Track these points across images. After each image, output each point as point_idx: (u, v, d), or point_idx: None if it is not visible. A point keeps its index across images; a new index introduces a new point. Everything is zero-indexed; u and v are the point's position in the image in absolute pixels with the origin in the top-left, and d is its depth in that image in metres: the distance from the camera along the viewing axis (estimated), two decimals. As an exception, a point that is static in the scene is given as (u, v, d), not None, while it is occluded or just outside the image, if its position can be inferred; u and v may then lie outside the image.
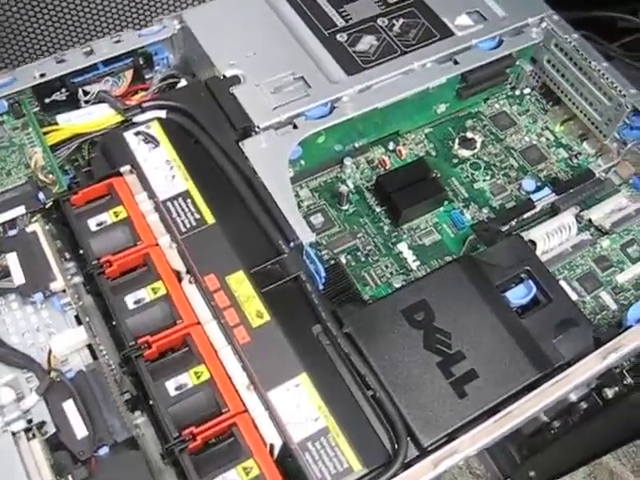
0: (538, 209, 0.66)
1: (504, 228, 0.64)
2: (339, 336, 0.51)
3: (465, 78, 0.67)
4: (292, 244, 0.55)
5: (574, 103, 0.71)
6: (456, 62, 0.66)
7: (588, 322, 0.55)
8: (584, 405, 0.94)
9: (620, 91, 0.66)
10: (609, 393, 0.90)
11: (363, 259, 0.63)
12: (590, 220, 0.67)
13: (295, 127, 0.61)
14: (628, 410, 0.88)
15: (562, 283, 0.63)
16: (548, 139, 0.72)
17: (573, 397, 0.94)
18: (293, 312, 0.53)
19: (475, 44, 0.67)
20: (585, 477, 1.22)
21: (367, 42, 0.66)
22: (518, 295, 0.56)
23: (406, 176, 0.65)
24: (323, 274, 0.56)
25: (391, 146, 0.70)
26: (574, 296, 0.62)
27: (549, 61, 0.72)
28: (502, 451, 1.14)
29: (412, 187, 0.64)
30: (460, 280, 0.54)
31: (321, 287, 0.57)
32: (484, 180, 0.68)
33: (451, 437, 0.50)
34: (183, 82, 0.66)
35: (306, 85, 0.63)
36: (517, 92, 0.75)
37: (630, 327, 0.55)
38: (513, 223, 0.65)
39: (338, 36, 0.66)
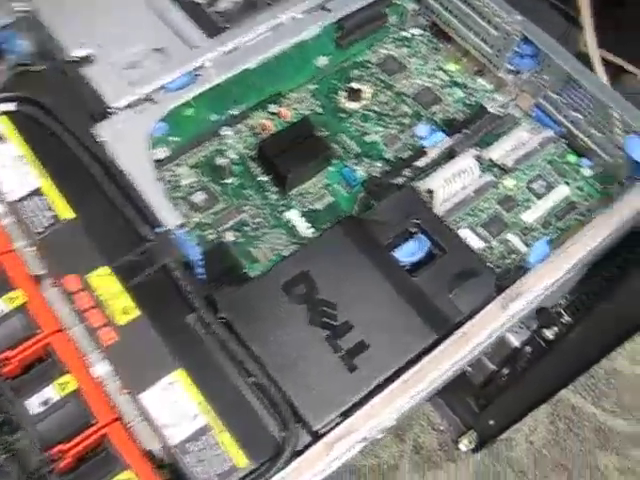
0: (434, 155, 0.61)
1: (398, 180, 0.60)
2: (213, 323, 0.46)
3: (341, 26, 0.62)
4: (158, 231, 0.50)
5: (464, 38, 0.66)
6: (328, 10, 0.60)
7: (489, 270, 0.51)
8: (528, 349, 0.91)
9: (505, 19, 0.61)
10: (549, 334, 0.87)
11: (252, 234, 0.58)
12: (491, 160, 0.63)
13: (155, 102, 0.55)
14: (570, 349, 0.85)
15: (466, 231, 0.59)
16: (442, 79, 0.68)
17: (515, 342, 0.90)
18: (166, 304, 0.48)
19: (347, -13, 0.61)
20: (548, 416, 1.20)
21: (228, 0, 0.61)
22: (409, 252, 0.51)
23: (288, 138, 0.60)
24: (198, 257, 0.51)
25: (273, 108, 0.64)
26: (480, 243, 0.58)
27: (432, -5, 0.66)
28: (460, 403, 1.11)
29: (295, 149, 0.60)
30: (343, 244, 0.50)
31: (201, 271, 0.52)
32: (376, 132, 0.64)
33: (346, 416, 0.45)
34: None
35: (164, 56, 0.57)
36: (405, 34, 0.70)
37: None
38: (407, 174, 0.60)
39: (196, -3, 0.60)
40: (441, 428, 1.19)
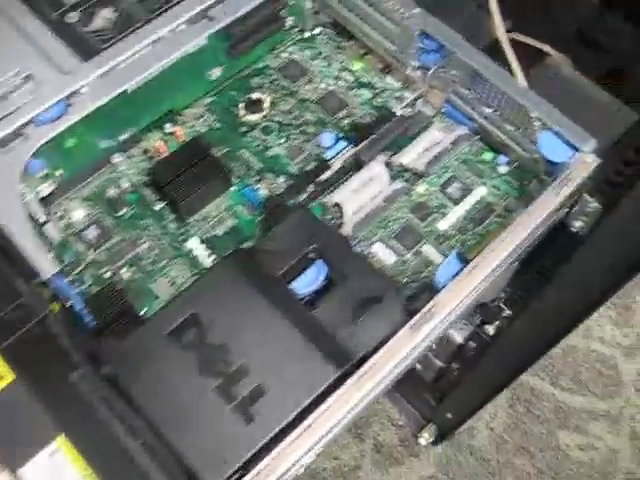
0: (338, 166, 0.57)
1: (301, 198, 0.56)
2: (97, 380, 0.42)
3: (229, 34, 0.57)
4: (35, 281, 0.45)
5: (366, 36, 0.62)
6: (210, 18, 0.56)
7: (396, 293, 0.47)
8: (472, 344, 0.88)
9: (403, 13, 0.57)
10: (490, 330, 0.84)
11: (150, 268, 0.54)
12: (402, 165, 0.59)
13: (26, 138, 0.50)
14: (512, 342, 0.82)
15: (378, 245, 0.55)
16: (347, 81, 0.63)
17: (459, 339, 0.87)
18: (45, 363, 0.44)
19: (233, -8, 0.57)
20: (507, 400, 1.18)
21: (103, 17, 0.56)
22: (307, 281, 0.47)
23: (180, 162, 0.56)
24: (81, 306, 0.47)
25: (169, 128, 0.60)
26: (393, 257, 0.55)
27: (328, -8, 0.62)
28: (418, 397, 1.08)
29: (188, 173, 0.55)
30: (233, 280, 0.46)
31: (89, 320, 0.48)
32: (278, 145, 0.59)
33: (246, 471, 0.42)
34: None
35: (34, 85, 0.52)
36: (306, 34, 0.65)
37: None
38: (311, 189, 0.56)
39: (67, 17, 0.56)
40: (400, 423, 1.16)
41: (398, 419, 1.18)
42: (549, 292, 0.70)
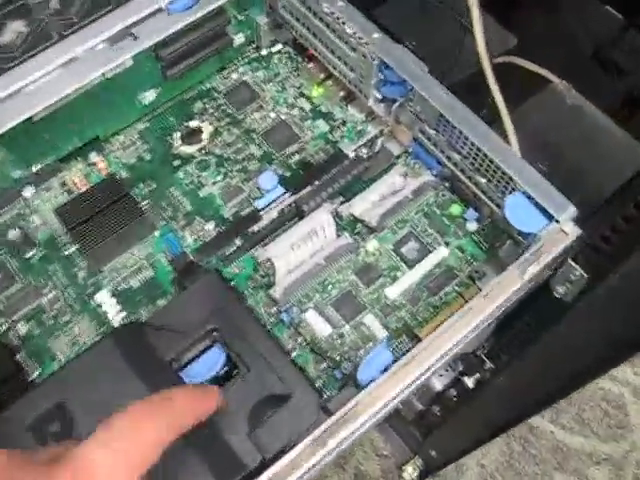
0: (273, 216, 0.49)
1: (229, 251, 0.48)
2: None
3: (158, 55, 0.49)
4: None
5: (326, 59, 0.53)
6: (135, 37, 0.47)
7: (309, 392, 0.39)
8: (454, 392, 0.80)
9: (361, 38, 0.48)
10: (469, 382, 0.76)
11: (51, 322, 0.47)
12: (354, 216, 0.50)
13: None
14: (495, 398, 0.74)
15: (311, 313, 0.46)
16: (302, 109, 0.55)
17: (439, 386, 0.79)
18: None
19: (164, 7, 0.48)
20: (502, 436, 1.09)
21: (13, 30, 0.48)
22: (204, 368, 0.39)
23: (96, 200, 0.48)
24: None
25: (93, 157, 0.52)
26: (327, 329, 0.47)
27: (284, 7, 0.53)
28: (404, 429, 1.01)
29: (104, 214, 0.48)
30: (113, 364, 0.38)
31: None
32: (214, 183, 0.51)
33: None
34: None
35: None
36: (263, 52, 0.57)
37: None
38: (238, 243, 0.48)
39: (-28, 28, 0.48)
40: (385, 453, 1.09)
41: (383, 448, 1.10)
42: (532, 353, 0.62)
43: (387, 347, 0.41)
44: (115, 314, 0.48)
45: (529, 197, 0.44)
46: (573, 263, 0.47)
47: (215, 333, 0.40)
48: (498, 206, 0.49)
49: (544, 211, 0.44)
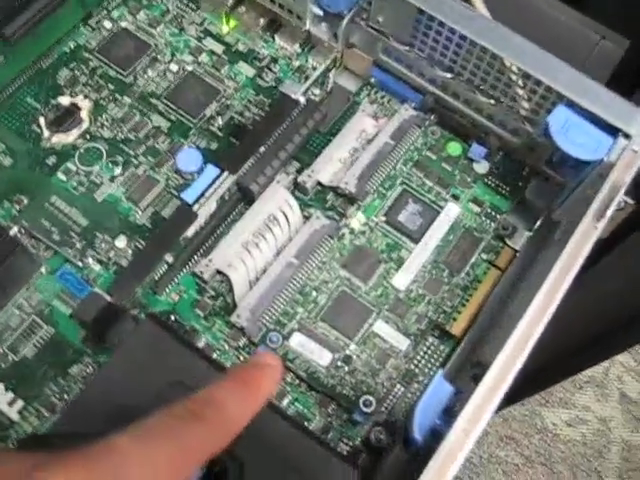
0: (212, 209, 0.32)
1: (160, 272, 0.31)
2: None
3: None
4: None
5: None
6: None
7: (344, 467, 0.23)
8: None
9: None
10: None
11: None
12: (321, 184, 0.35)
13: None
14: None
15: (297, 337, 0.31)
16: (213, 52, 0.40)
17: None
18: None
19: None
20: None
21: None
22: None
23: None
24: None
25: None
26: (325, 355, 0.33)
27: None
28: None
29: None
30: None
31: None
32: (112, 178, 0.35)
33: None
34: None
35: None
36: (139, -16, 0.40)
37: None
38: (169, 260, 0.31)
39: None
40: None
41: None
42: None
43: (444, 379, 0.26)
44: (7, 405, 0.30)
45: (580, 109, 0.29)
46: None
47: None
48: (513, 131, 0.34)
49: (605, 125, 0.29)
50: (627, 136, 0.30)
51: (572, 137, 0.30)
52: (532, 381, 0.56)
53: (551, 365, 0.54)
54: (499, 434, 1.02)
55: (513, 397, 0.59)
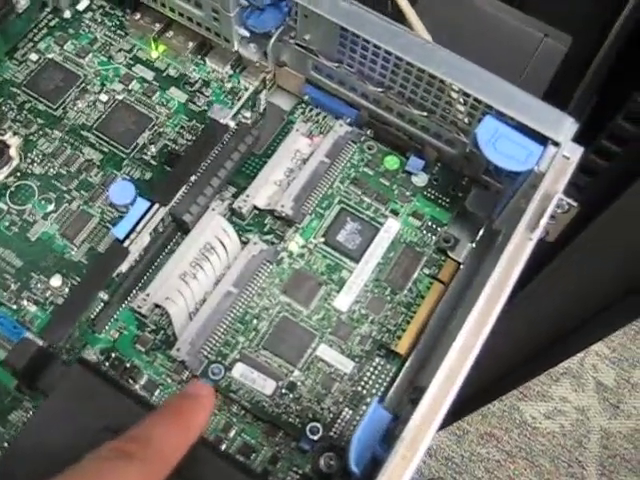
0: (145, 242, 0.32)
1: (97, 310, 0.30)
2: None
3: None
4: None
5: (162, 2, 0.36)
6: None
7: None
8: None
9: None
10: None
11: None
12: (257, 208, 0.34)
13: None
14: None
15: (239, 367, 0.30)
16: (144, 79, 0.39)
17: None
18: None
19: None
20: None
21: None
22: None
23: None
24: None
25: None
26: (269, 384, 0.31)
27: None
28: None
29: None
30: None
31: None
32: (45, 216, 0.34)
33: None
34: None
35: None
36: (66, 14, 0.40)
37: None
38: (104, 297, 0.30)
39: None
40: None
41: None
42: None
43: (377, 404, 0.26)
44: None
45: (510, 119, 0.29)
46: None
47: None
48: (447, 141, 0.34)
49: (534, 134, 0.29)
50: (556, 144, 0.29)
51: (501, 148, 0.30)
52: (509, 378, 0.56)
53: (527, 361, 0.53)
54: (479, 431, 1.02)
55: (491, 394, 0.58)
